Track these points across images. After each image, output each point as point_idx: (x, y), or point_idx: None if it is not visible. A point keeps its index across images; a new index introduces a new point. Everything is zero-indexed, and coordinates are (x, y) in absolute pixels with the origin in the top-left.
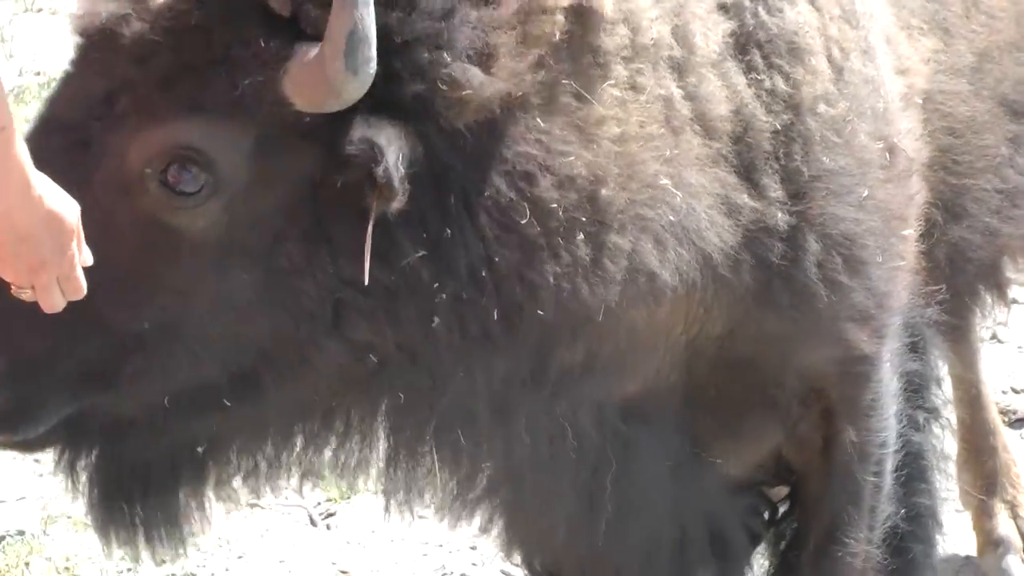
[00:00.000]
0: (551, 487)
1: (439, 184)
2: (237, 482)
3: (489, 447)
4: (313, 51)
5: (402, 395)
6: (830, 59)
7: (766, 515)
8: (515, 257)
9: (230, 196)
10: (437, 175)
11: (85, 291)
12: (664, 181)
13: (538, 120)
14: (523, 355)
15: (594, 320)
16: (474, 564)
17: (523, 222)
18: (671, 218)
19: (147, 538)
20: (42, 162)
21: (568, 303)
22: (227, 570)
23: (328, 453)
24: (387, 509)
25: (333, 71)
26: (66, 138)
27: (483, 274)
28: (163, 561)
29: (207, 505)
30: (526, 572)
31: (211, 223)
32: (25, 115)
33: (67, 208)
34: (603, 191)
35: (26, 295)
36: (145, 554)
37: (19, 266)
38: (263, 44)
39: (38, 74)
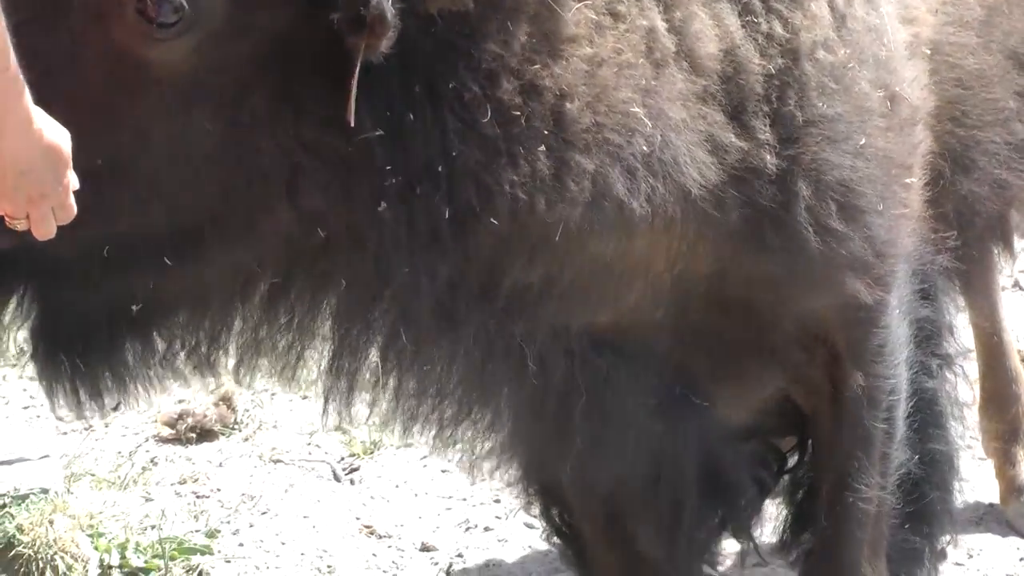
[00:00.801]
0: (515, 408)
1: (406, 65)
2: (179, 356)
3: (434, 354)
4: None
5: (344, 282)
6: (832, 5)
7: (775, 466)
8: (473, 157)
9: (203, 36)
10: (405, 55)
11: (75, 213)
12: (636, 110)
13: (508, 23)
14: (473, 265)
15: (551, 240)
16: (497, 517)
17: (483, 121)
18: (644, 148)
19: (91, 392)
20: None
21: (523, 216)
22: (251, 526)
23: (268, 340)
24: (324, 412)
25: None
26: None
27: (439, 168)
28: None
29: (152, 372)
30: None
31: (180, 60)
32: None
33: (63, 139)
34: (568, 106)
35: (20, 225)
36: (91, 407)
37: (18, 198)
38: None
39: None
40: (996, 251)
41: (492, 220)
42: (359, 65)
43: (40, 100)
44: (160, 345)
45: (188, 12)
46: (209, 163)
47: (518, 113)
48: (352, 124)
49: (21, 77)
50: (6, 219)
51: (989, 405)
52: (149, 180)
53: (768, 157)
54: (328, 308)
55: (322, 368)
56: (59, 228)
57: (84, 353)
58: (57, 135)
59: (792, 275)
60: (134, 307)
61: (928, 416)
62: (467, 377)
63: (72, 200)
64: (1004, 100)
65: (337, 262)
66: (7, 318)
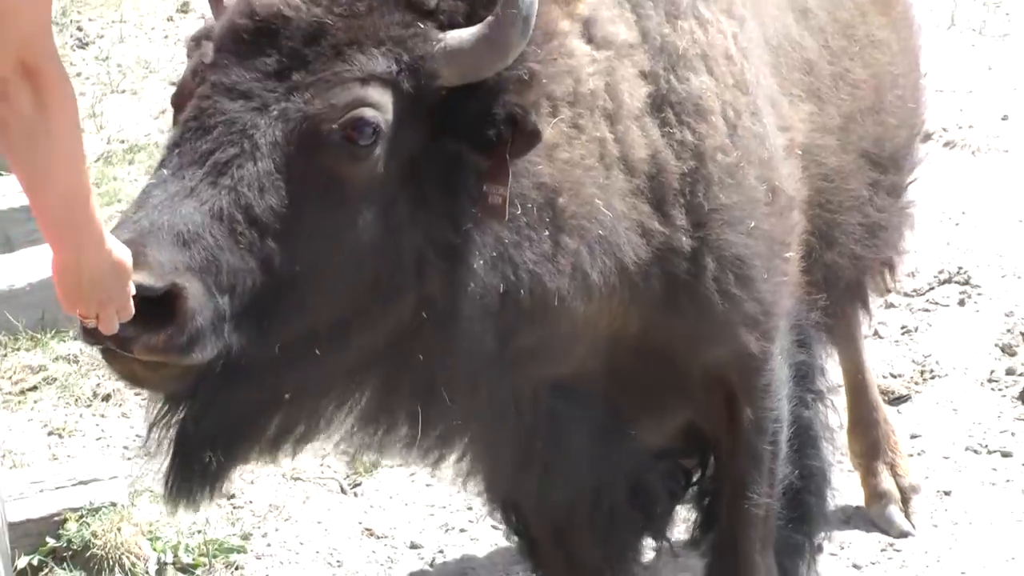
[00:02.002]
0: (497, 450)
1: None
2: (294, 435)
3: (457, 411)
4: (469, 31)
5: (421, 356)
6: (726, 118)
7: (684, 480)
8: (511, 239)
9: (378, 154)
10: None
11: (133, 313)
12: (598, 202)
13: None
14: (498, 332)
15: (549, 306)
16: (471, 521)
17: (517, 212)
18: (600, 232)
19: (211, 489)
20: (219, 121)
21: (536, 288)
22: (277, 530)
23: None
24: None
25: (511, 36)
26: (244, 104)
27: (498, 252)
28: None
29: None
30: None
31: (366, 174)
32: (113, 174)
33: (127, 255)
34: (560, 199)
35: (90, 323)
36: (200, 502)
37: (91, 302)
38: (420, 27)
39: (122, 142)
40: (857, 308)
41: (520, 292)
42: (509, 168)
43: (250, 221)
44: (293, 430)
45: (377, 135)
46: (370, 260)
47: (531, 204)
48: (506, 216)
49: (97, 203)
50: (82, 318)
51: (855, 429)
52: (329, 280)
53: (683, 238)
54: (389, 378)
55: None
56: (258, 329)
57: (229, 447)
58: (123, 253)
59: (700, 331)
60: (282, 400)
61: (805, 439)
62: (469, 421)
63: (132, 304)
64: (859, 190)
65: (424, 335)
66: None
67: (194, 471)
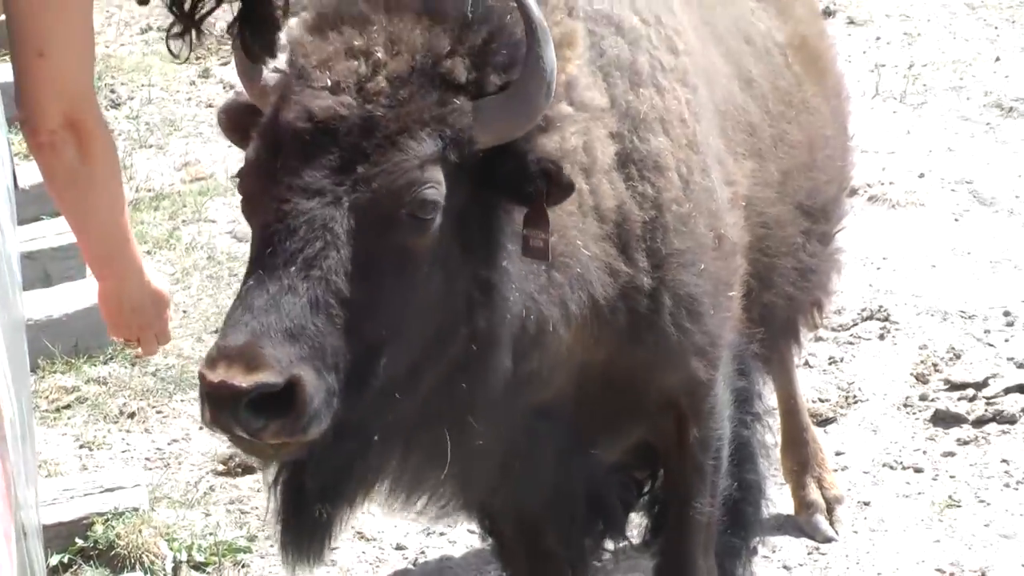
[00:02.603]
0: (483, 467)
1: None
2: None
3: (477, 434)
4: (499, 99)
5: (464, 384)
6: (680, 174)
7: (636, 490)
8: (523, 273)
9: (438, 219)
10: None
11: (171, 339)
12: (578, 243)
13: None
14: (514, 356)
15: (547, 333)
16: (449, 526)
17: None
18: (578, 270)
19: (324, 540)
20: (302, 221)
21: (538, 316)
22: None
23: None
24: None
25: (539, 100)
26: (320, 201)
27: (515, 284)
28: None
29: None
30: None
31: (429, 240)
32: (140, 219)
33: (165, 285)
34: (552, 239)
35: (132, 347)
36: (315, 554)
37: (131, 328)
38: (456, 102)
39: (149, 191)
40: (790, 342)
41: (530, 319)
42: (548, 215)
43: (341, 303)
44: (384, 468)
45: (439, 203)
46: (435, 308)
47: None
48: (550, 257)
49: (133, 238)
50: (125, 342)
51: (787, 447)
52: (408, 336)
53: (644, 278)
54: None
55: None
56: (356, 390)
57: (335, 497)
58: (161, 283)
59: (657, 359)
60: (375, 439)
61: (744, 455)
62: (472, 447)
63: (169, 329)
64: (793, 237)
65: (470, 365)
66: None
67: (307, 525)
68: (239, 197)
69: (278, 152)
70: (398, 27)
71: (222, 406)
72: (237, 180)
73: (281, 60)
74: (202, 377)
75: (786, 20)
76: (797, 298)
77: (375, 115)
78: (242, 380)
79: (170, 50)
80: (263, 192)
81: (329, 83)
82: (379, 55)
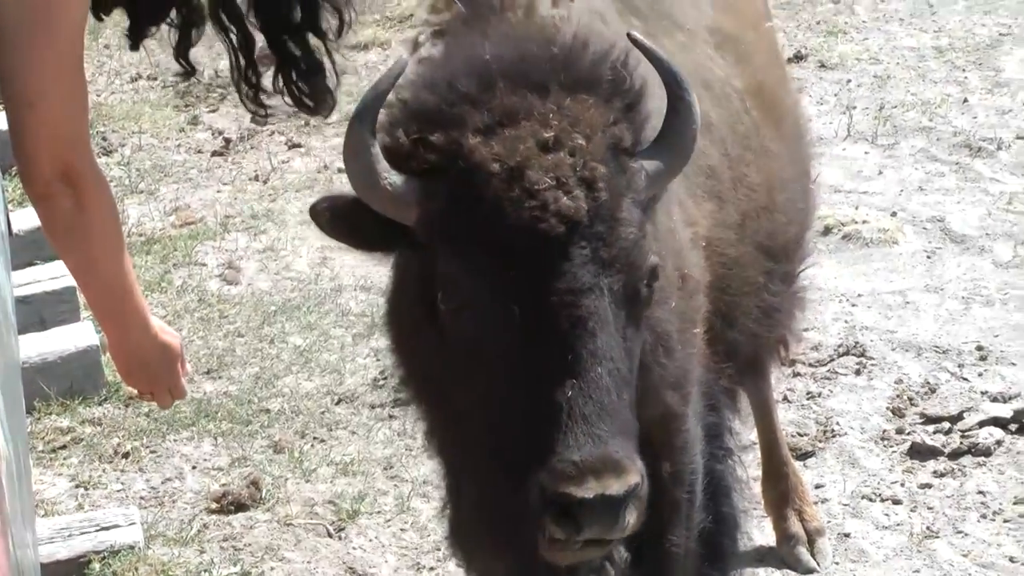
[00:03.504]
0: None
1: None
2: None
3: None
4: (653, 153)
5: None
6: None
7: None
8: None
9: None
10: None
11: (187, 395)
12: None
13: None
14: None
15: None
16: (438, 560)
17: None
18: None
19: None
20: (587, 320)
21: None
22: (272, 569)
23: None
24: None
25: (691, 144)
26: (593, 297)
27: None
28: None
29: None
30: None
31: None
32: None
33: (174, 338)
34: None
35: (147, 399)
36: None
37: (142, 381)
38: (633, 167)
39: (140, 235)
40: (758, 378)
41: None
42: None
43: (625, 384)
44: None
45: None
46: None
47: None
48: None
49: (136, 283)
50: (140, 395)
51: (767, 480)
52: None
53: None
54: None
55: None
56: None
57: None
58: (171, 337)
59: (639, 395)
60: None
61: (719, 489)
62: None
63: (184, 383)
64: (755, 277)
65: None
66: None
67: None
68: (229, 240)
69: (518, 259)
70: (571, 109)
71: (601, 517)
72: (448, 292)
73: (389, 172)
74: (565, 495)
75: (744, 67)
76: (762, 335)
77: (602, 200)
78: (617, 488)
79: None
80: (518, 299)
81: (551, 181)
82: (577, 142)
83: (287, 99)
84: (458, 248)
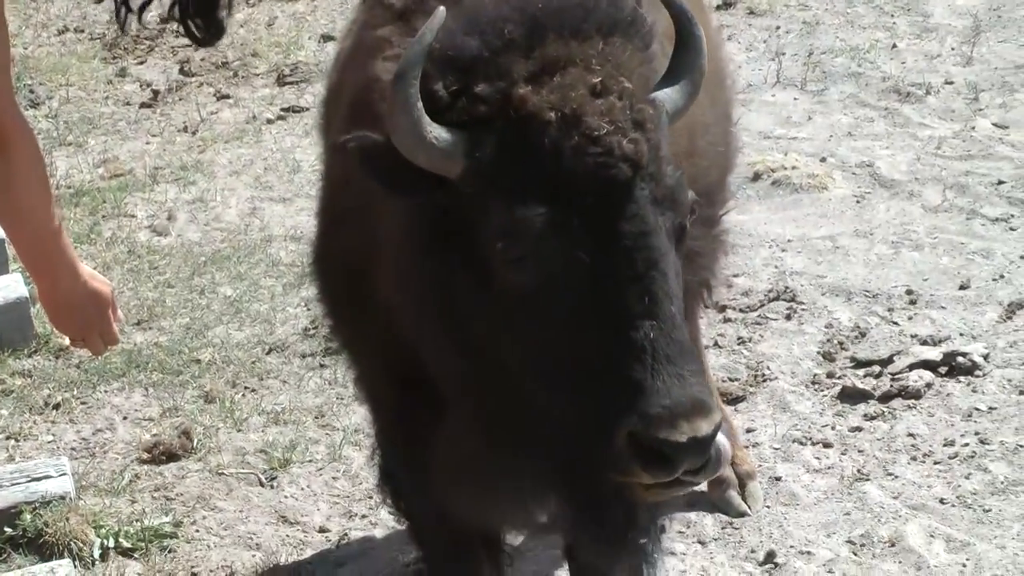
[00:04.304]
0: None
1: None
2: None
3: None
4: (677, 89)
5: None
6: None
7: None
8: None
9: None
10: None
11: (119, 341)
12: None
13: None
14: None
15: None
16: (371, 508)
17: None
18: None
19: None
20: (658, 260)
21: None
22: (204, 518)
23: None
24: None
25: (700, 77)
26: (658, 237)
27: None
28: None
29: None
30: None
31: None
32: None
33: (104, 286)
34: None
35: (79, 346)
36: None
37: (73, 327)
38: (662, 101)
39: (69, 187)
40: (697, 317)
41: None
42: None
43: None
44: None
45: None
46: None
47: None
48: None
49: (64, 232)
50: (71, 342)
51: None
52: None
53: None
54: None
55: None
56: None
57: None
58: (101, 284)
59: None
60: None
61: None
62: None
63: (116, 330)
64: None
65: None
66: None
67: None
68: (158, 192)
69: (584, 205)
70: (610, 53)
71: (693, 457)
72: (508, 243)
73: (433, 127)
74: (661, 441)
75: (660, 12)
76: (685, 280)
77: (652, 139)
78: (707, 429)
79: (121, 28)
80: (587, 245)
81: (608, 125)
82: (624, 85)
83: (179, 27)
84: (517, 199)
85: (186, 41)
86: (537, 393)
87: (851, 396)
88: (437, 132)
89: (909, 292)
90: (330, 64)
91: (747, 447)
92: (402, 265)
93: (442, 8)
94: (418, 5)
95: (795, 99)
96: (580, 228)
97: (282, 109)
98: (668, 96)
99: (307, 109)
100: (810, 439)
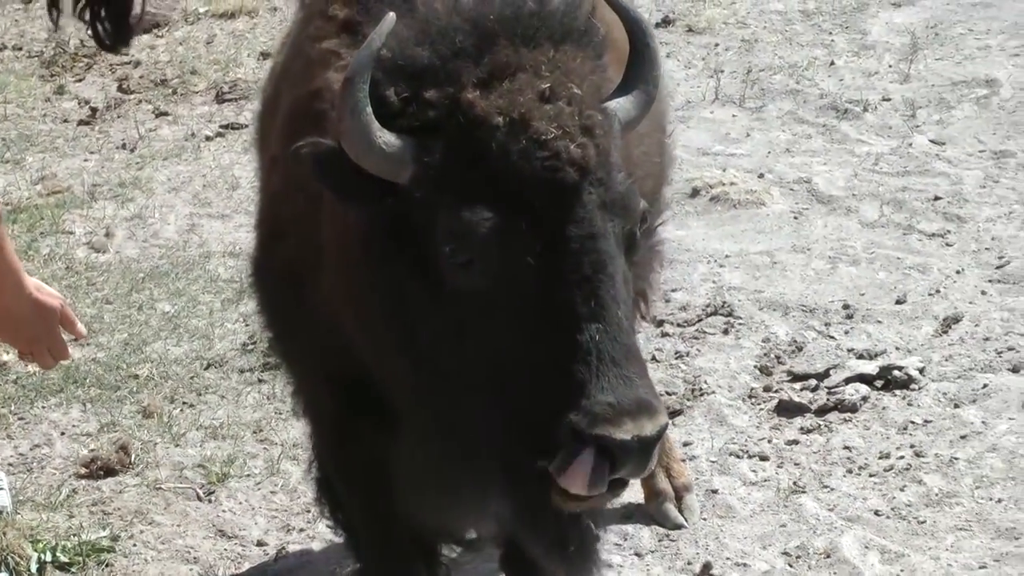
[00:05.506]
0: None
1: None
2: None
3: None
4: (630, 101)
5: None
6: None
7: None
8: None
9: None
10: None
11: (70, 356)
12: None
13: None
14: None
15: None
16: (308, 522)
17: None
18: None
19: None
20: (609, 262)
21: None
22: (142, 532)
23: None
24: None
25: (654, 88)
26: (607, 242)
27: None
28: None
29: None
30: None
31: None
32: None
33: (51, 298)
34: None
35: (28, 359)
36: None
37: (20, 341)
38: (612, 112)
39: (7, 205)
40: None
41: None
42: None
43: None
44: None
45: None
46: None
47: None
48: None
49: (8, 244)
50: (21, 355)
51: None
52: None
53: None
54: None
55: None
56: None
57: None
58: (48, 297)
59: None
60: None
61: None
62: None
63: (64, 344)
64: None
65: None
66: None
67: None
68: (96, 209)
69: (531, 209)
70: (559, 60)
71: (637, 456)
72: (456, 246)
73: (383, 132)
74: (604, 438)
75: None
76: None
77: (601, 144)
78: (651, 429)
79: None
80: (534, 249)
81: (556, 130)
82: (573, 91)
83: (88, 31)
84: (465, 203)
85: (125, 59)
86: (485, 397)
87: (788, 410)
88: (386, 137)
89: (846, 307)
90: (265, 78)
91: (684, 460)
92: (350, 272)
93: (392, 14)
94: (363, 16)
95: (734, 116)
96: (527, 231)
97: (221, 126)
98: (620, 105)
99: (246, 126)
100: (747, 452)
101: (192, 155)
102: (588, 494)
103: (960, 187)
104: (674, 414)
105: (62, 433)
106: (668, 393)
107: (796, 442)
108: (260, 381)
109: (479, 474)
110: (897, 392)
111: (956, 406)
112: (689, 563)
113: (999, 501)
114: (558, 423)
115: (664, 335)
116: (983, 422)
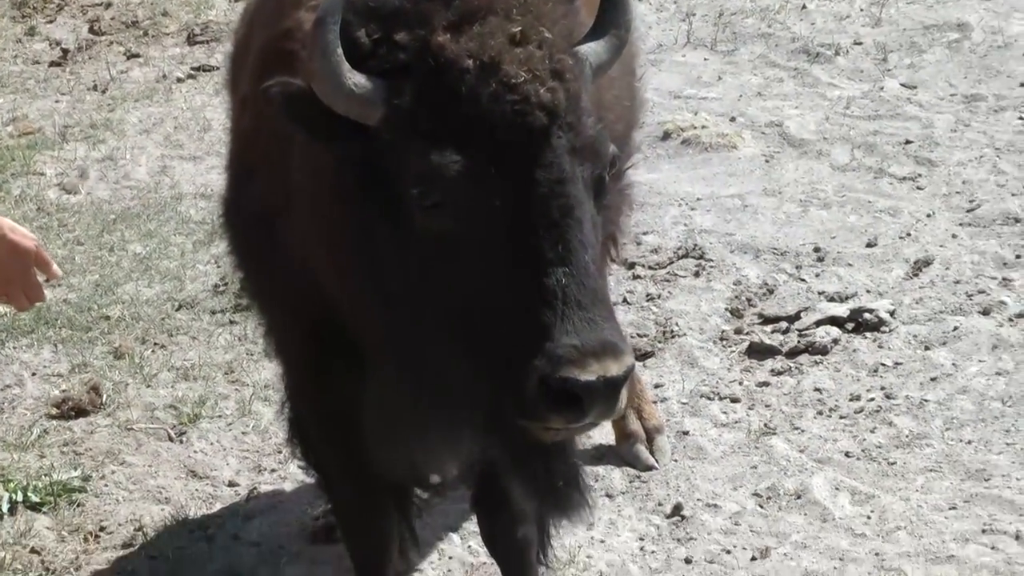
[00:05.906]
0: None
1: None
2: None
3: None
4: (603, 47)
5: None
6: None
7: None
8: None
9: None
10: None
11: (45, 298)
12: None
13: None
14: None
15: None
16: (280, 463)
17: None
18: None
19: None
20: (577, 207)
21: None
22: (113, 472)
23: None
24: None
25: (627, 33)
26: (575, 186)
27: None
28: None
29: None
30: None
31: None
32: None
33: (25, 239)
34: None
35: (2, 301)
36: None
37: None
38: (582, 55)
39: None
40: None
41: None
42: None
43: (597, 263)
44: None
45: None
46: None
47: None
48: None
49: None
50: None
51: None
52: None
53: None
54: None
55: None
56: None
57: None
58: (22, 238)
59: None
60: None
61: None
62: None
63: (39, 285)
64: None
65: None
66: None
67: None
68: (67, 150)
69: (500, 152)
70: (531, 4)
71: (603, 397)
72: (425, 189)
73: (353, 73)
74: (569, 380)
75: None
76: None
77: (572, 89)
78: (617, 370)
79: None
80: (503, 192)
81: (526, 74)
82: (544, 35)
83: None
84: (434, 145)
85: (96, 0)
86: (453, 341)
87: (759, 352)
88: (356, 79)
89: (817, 250)
90: (237, 20)
91: (655, 402)
92: (320, 214)
93: None
94: None
95: (705, 59)
96: (496, 175)
97: (192, 68)
98: (592, 50)
99: (217, 68)
100: (718, 394)
101: (164, 97)
102: (566, 425)
103: (931, 131)
104: (645, 356)
105: (33, 374)
106: (639, 335)
107: (767, 384)
108: (231, 322)
109: (448, 417)
110: (868, 334)
111: (926, 348)
112: (660, 504)
113: (969, 442)
114: (525, 367)
115: (636, 278)
116: (953, 364)
